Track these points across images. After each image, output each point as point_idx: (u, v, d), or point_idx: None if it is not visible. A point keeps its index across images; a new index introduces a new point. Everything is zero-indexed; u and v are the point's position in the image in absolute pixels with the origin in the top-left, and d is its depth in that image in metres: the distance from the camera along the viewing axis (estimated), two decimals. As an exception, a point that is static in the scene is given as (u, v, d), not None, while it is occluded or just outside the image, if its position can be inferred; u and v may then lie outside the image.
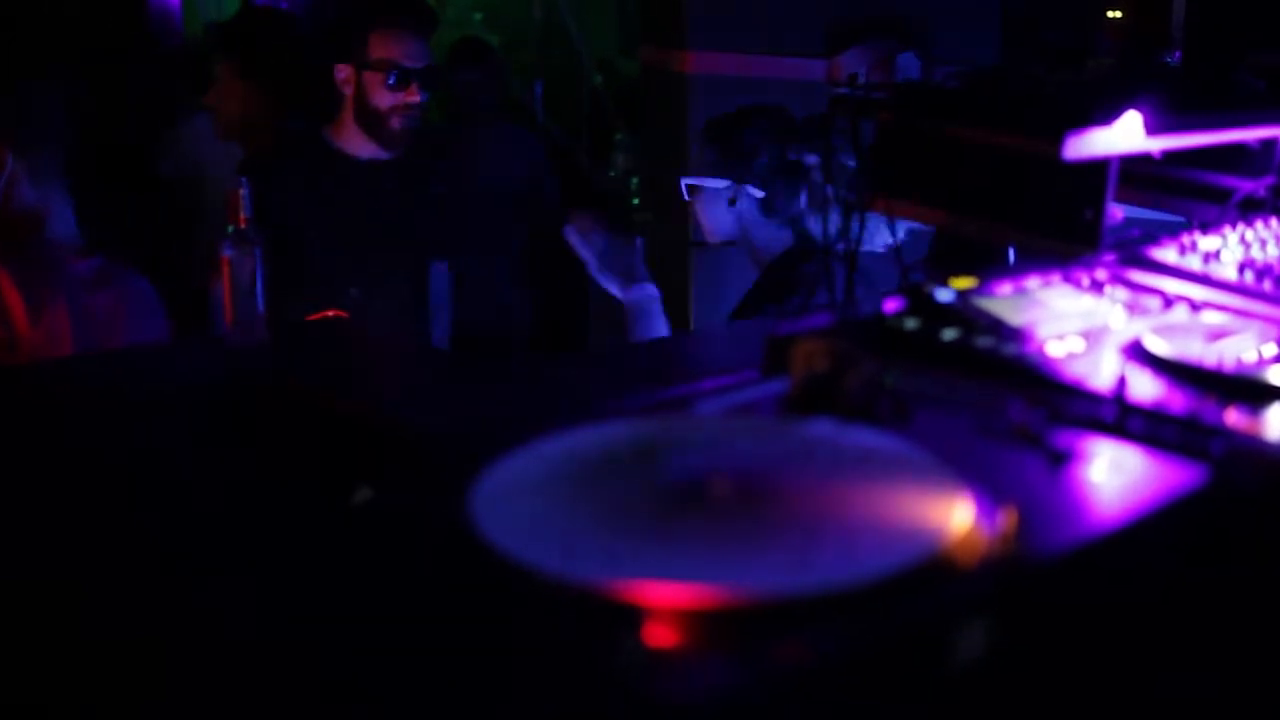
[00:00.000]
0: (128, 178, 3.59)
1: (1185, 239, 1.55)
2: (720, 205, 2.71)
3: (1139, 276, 1.52)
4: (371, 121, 2.75)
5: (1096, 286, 1.48)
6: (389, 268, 2.85)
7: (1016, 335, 1.32)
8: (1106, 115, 1.52)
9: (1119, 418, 1.10)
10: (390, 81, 2.69)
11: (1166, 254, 1.53)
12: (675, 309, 3.99)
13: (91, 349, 2.22)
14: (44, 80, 3.61)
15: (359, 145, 2.81)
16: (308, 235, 2.75)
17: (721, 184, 2.68)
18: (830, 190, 2.54)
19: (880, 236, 2.51)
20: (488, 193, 4.15)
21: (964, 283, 1.43)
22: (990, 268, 1.57)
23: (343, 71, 2.74)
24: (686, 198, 2.75)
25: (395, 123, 2.74)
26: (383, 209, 2.83)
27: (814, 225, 2.68)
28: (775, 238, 2.71)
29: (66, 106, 3.40)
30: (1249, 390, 1.16)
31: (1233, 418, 1.10)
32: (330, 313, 2.01)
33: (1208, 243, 1.54)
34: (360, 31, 2.71)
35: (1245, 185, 1.69)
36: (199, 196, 3.44)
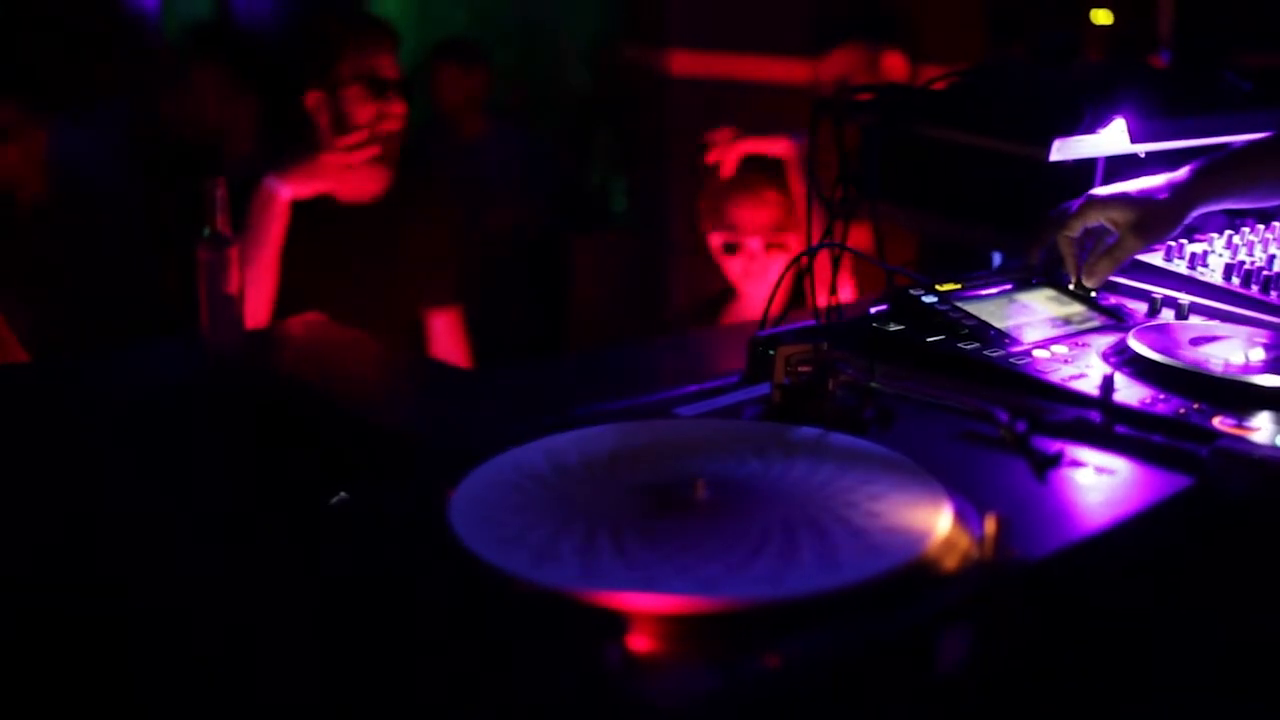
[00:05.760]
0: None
1: (1172, 243, 1.54)
2: None
3: (1126, 280, 1.51)
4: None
5: (1082, 290, 1.48)
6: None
7: (1002, 339, 1.31)
8: (1093, 120, 1.51)
9: (1105, 421, 1.09)
10: (371, 96, 2.45)
11: (1153, 258, 1.53)
12: (654, 312, 3.98)
13: None
14: None
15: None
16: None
17: None
18: None
19: None
20: (480, 193, 4.13)
21: (949, 286, 1.42)
22: (976, 270, 1.56)
23: (314, 98, 2.47)
24: None
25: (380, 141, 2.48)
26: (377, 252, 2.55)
27: None
28: None
29: None
30: (1236, 394, 1.16)
31: (1219, 421, 1.09)
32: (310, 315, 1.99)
33: (1194, 247, 1.54)
34: (334, 52, 2.46)
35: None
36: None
